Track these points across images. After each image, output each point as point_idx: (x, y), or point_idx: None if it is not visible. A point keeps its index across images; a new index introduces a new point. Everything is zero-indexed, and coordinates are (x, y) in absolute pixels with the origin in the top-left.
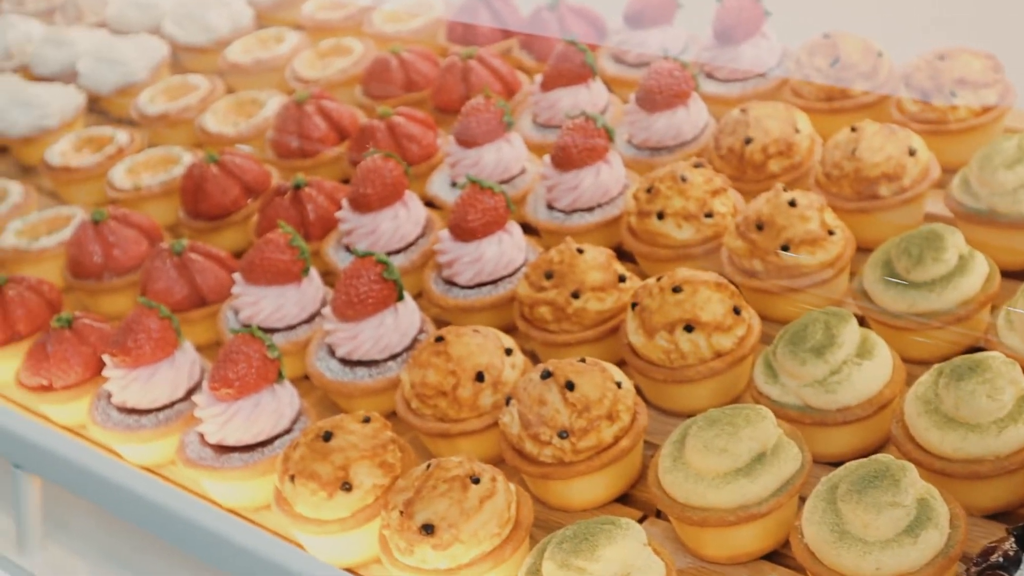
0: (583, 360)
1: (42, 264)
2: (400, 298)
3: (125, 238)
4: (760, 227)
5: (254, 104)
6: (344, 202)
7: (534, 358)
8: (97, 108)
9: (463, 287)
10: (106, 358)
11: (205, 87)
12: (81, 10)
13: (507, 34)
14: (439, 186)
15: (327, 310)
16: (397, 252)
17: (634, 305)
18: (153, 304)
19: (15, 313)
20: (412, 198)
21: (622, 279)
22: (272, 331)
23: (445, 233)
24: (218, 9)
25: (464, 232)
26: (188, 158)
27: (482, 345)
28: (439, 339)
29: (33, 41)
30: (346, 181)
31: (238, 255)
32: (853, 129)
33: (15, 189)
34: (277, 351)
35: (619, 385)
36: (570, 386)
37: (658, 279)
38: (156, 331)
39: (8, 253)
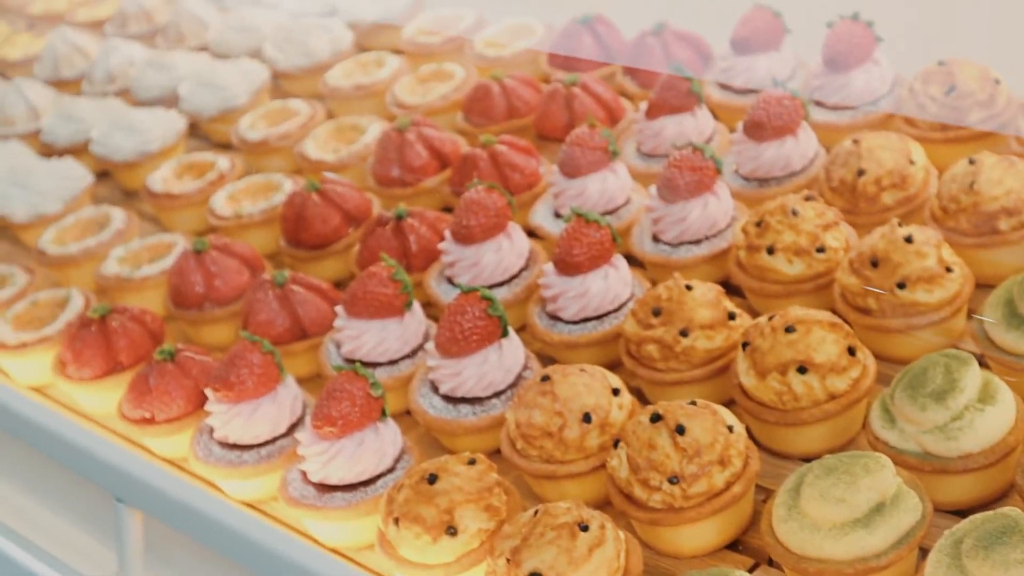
0: (693, 403)
1: (144, 292)
2: (505, 334)
3: (226, 268)
4: (875, 264)
5: (354, 130)
6: (447, 234)
7: (639, 395)
8: (197, 133)
9: (568, 322)
10: (208, 392)
11: (305, 112)
12: (182, 33)
13: (610, 60)
14: (542, 216)
15: (430, 346)
16: (500, 285)
17: (745, 345)
18: (256, 338)
19: (118, 344)
20: (515, 230)
21: (732, 316)
22: (374, 365)
23: (550, 267)
24: (319, 33)
25: (569, 266)
26: (289, 185)
27: (589, 385)
28: (545, 378)
29: (135, 65)
30: (447, 210)
31: (339, 285)
32: (971, 161)
33: (117, 215)
34: (381, 389)
35: (731, 429)
36: (681, 430)
37: (770, 318)
38: (259, 366)
39: (110, 281)
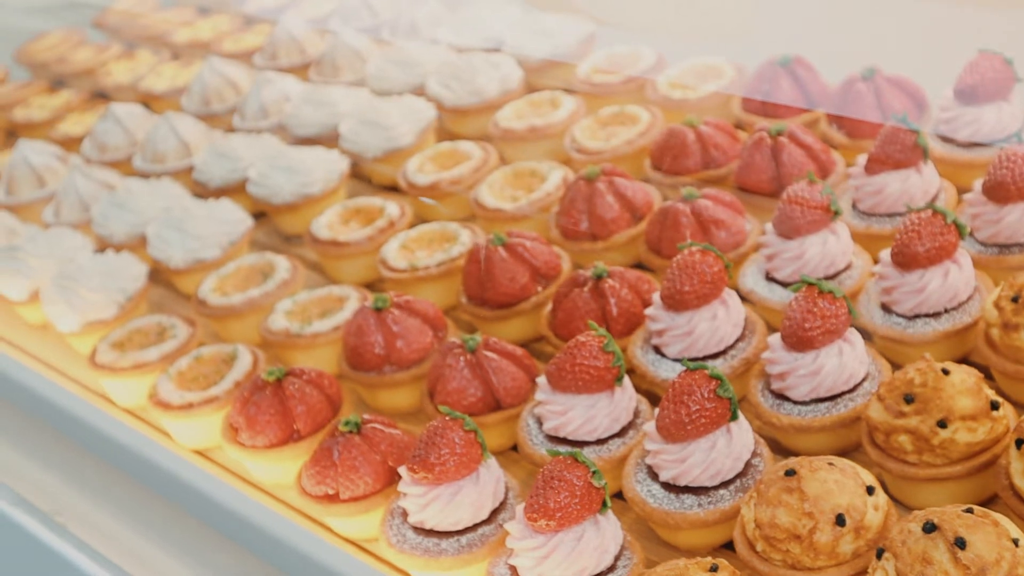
0: (970, 510)
1: (314, 351)
2: (734, 418)
3: (409, 328)
4: None
5: (534, 176)
6: (656, 298)
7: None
8: (358, 173)
9: (797, 402)
10: (404, 472)
11: (477, 156)
12: (338, 66)
13: (811, 106)
14: (753, 280)
15: (650, 427)
16: (714, 356)
17: (1019, 442)
18: (457, 414)
19: (295, 410)
20: (731, 296)
21: (995, 406)
22: (580, 444)
23: (776, 340)
24: (487, 71)
25: (800, 341)
26: (466, 236)
27: (841, 483)
28: (790, 472)
29: (290, 99)
30: (638, 266)
31: (525, 346)
32: None
33: (282, 264)
34: (603, 480)
35: (1015, 543)
36: (961, 543)
37: None
38: (461, 445)
39: (278, 336)
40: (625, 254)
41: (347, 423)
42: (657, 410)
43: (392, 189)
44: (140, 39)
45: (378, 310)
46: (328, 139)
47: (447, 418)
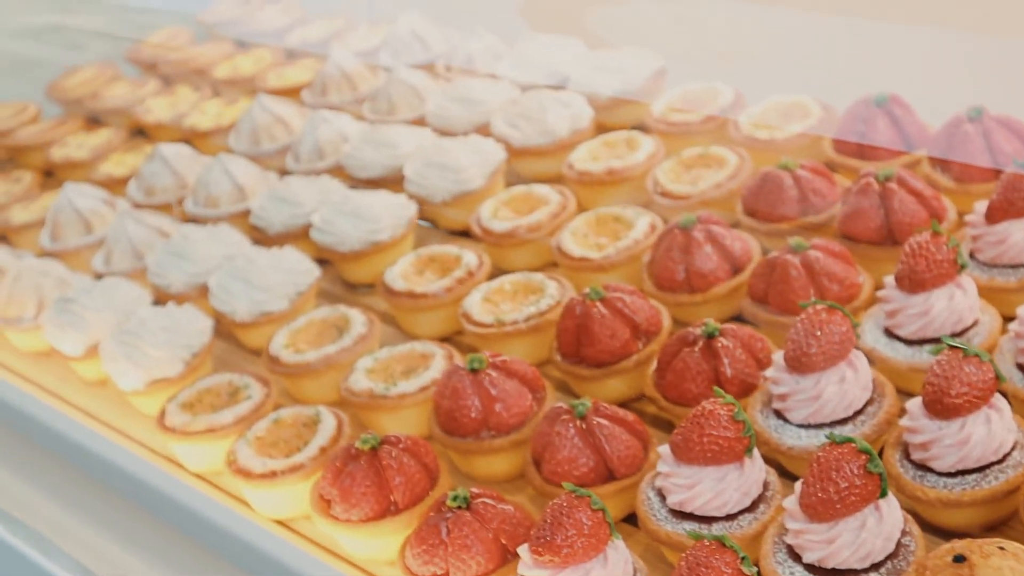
0: None
1: (400, 412)
2: (883, 494)
3: (507, 390)
4: None
5: (618, 222)
6: (777, 360)
7: None
8: (423, 217)
9: (941, 474)
10: (524, 554)
11: (555, 200)
12: (394, 103)
13: (910, 148)
14: (873, 337)
15: (790, 505)
16: (842, 422)
17: None
18: (584, 491)
19: (392, 481)
20: (858, 357)
21: None
22: (709, 520)
23: (916, 406)
24: (557, 109)
25: (946, 409)
26: (553, 288)
27: (1015, 569)
28: (959, 559)
29: (348, 139)
30: (736, 319)
31: (623, 405)
32: None
33: (357, 318)
34: (753, 567)
35: None
36: None
37: None
38: (589, 525)
39: (362, 398)
40: (723, 307)
41: (455, 497)
42: (798, 486)
43: (461, 234)
44: (177, 74)
45: (474, 371)
46: (391, 181)
47: (572, 495)
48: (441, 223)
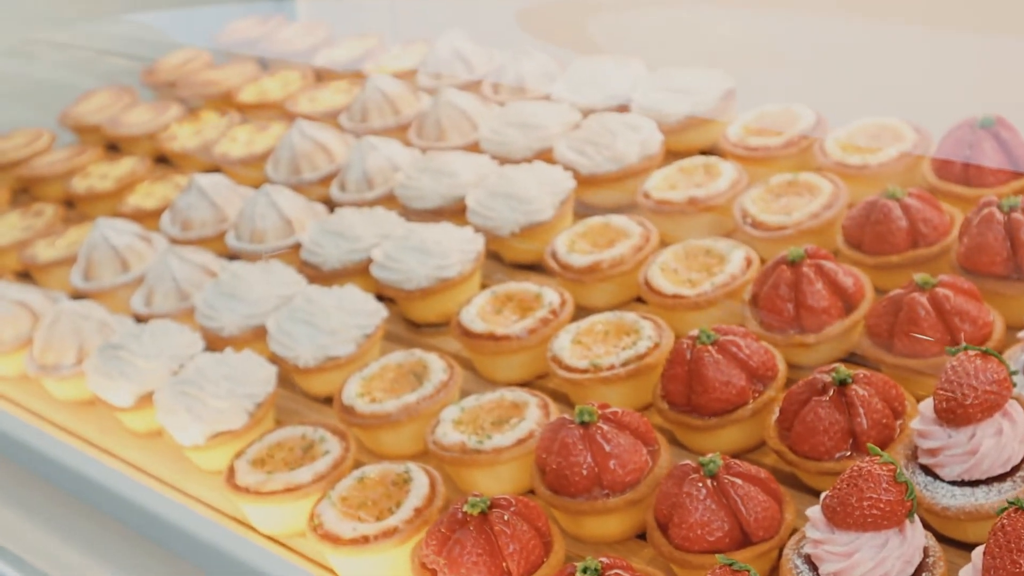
0: None
1: (496, 468)
2: None
3: (621, 445)
4: None
5: (709, 256)
6: (923, 411)
7: None
8: (487, 249)
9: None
10: None
11: (636, 232)
12: (443, 128)
13: (1016, 173)
14: (1021, 383)
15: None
16: (1000, 479)
17: None
18: (740, 565)
19: (506, 549)
20: (1014, 408)
21: None
22: None
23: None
24: (627, 133)
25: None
26: (649, 329)
27: None
28: None
29: (397, 166)
30: (849, 360)
31: (736, 456)
32: None
33: (436, 364)
34: None
35: None
36: None
37: None
38: None
39: (453, 452)
40: (837, 348)
41: (586, 569)
42: (977, 555)
43: (529, 268)
44: (199, 97)
45: (584, 424)
46: (448, 212)
47: (728, 568)
48: (506, 256)
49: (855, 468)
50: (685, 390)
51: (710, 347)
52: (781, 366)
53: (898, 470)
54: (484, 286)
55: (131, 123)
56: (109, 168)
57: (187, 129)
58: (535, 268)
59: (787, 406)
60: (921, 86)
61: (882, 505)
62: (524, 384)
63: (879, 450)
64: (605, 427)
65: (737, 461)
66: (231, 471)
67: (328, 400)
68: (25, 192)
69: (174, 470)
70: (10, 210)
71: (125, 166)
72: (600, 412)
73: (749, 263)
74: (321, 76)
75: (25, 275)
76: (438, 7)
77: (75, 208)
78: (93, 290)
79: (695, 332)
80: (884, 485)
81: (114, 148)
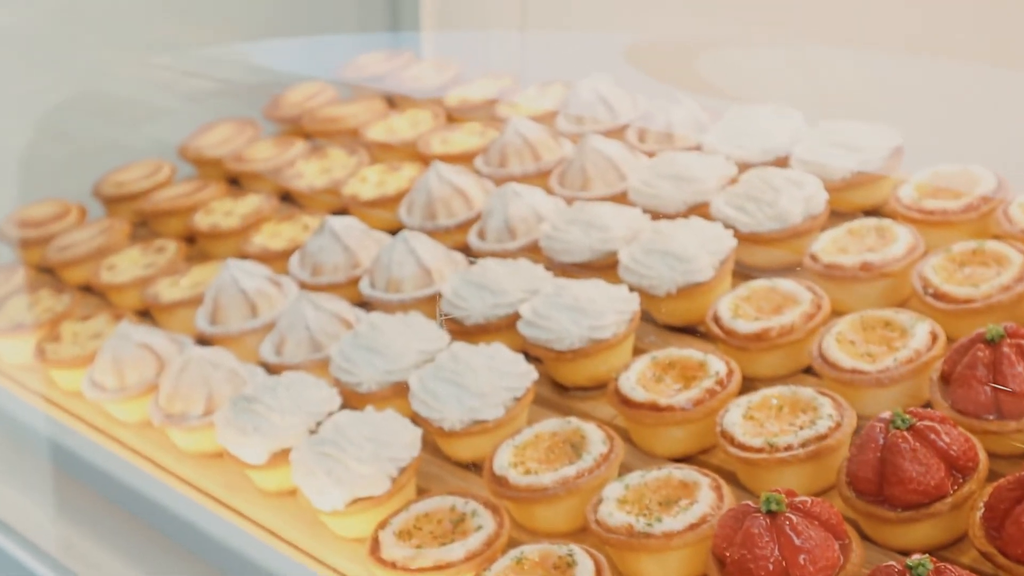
0: None
1: (666, 555)
2: None
3: (812, 540)
4: None
5: (889, 328)
6: None
7: None
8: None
9: None
10: None
11: (806, 299)
12: (588, 176)
13: None
14: None
15: None
16: None
17: None
18: None
19: None
20: None
21: None
22: None
23: None
24: (791, 190)
25: None
26: (828, 406)
27: None
28: None
29: (540, 216)
30: None
31: (931, 553)
32: None
33: (595, 435)
34: None
35: None
36: None
37: None
38: None
39: (619, 535)
40: None
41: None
42: None
43: (681, 331)
44: (324, 134)
45: (771, 513)
46: (596, 267)
47: None
48: (659, 317)
49: None
50: (876, 478)
51: (906, 432)
52: (982, 456)
53: None
54: (636, 348)
55: (255, 158)
56: (233, 205)
57: (314, 167)
58: (688, 331)
59: (995, 503)
60: None
61: None
62: (685, 459)
63: None
64: (794, 517)
65: (950, 566)
66: (375, 543)
67: (471, 466)
68: (144, 226)
69: (307, 535)
70: (130, 245)
71: (250, 203)
72: (788, 501)
73: (935, 339)
74: (452, 115)
75: (144, 313)
76: (564, 43)
77: (195, 244)
78: (220, 335)
79: (887, 415)
80: None
81: (234, 182)
